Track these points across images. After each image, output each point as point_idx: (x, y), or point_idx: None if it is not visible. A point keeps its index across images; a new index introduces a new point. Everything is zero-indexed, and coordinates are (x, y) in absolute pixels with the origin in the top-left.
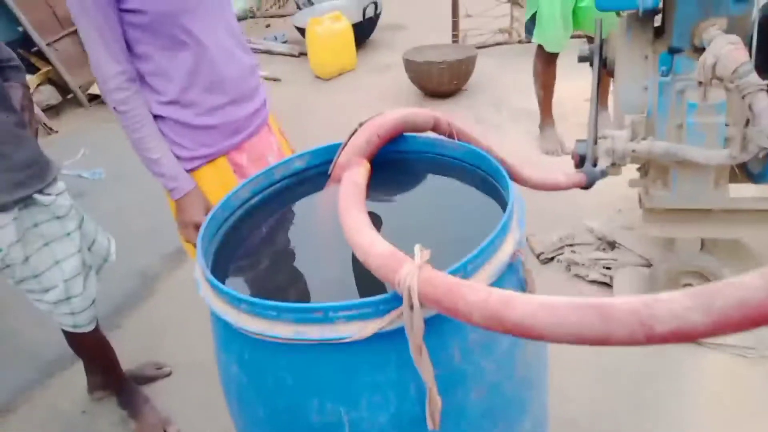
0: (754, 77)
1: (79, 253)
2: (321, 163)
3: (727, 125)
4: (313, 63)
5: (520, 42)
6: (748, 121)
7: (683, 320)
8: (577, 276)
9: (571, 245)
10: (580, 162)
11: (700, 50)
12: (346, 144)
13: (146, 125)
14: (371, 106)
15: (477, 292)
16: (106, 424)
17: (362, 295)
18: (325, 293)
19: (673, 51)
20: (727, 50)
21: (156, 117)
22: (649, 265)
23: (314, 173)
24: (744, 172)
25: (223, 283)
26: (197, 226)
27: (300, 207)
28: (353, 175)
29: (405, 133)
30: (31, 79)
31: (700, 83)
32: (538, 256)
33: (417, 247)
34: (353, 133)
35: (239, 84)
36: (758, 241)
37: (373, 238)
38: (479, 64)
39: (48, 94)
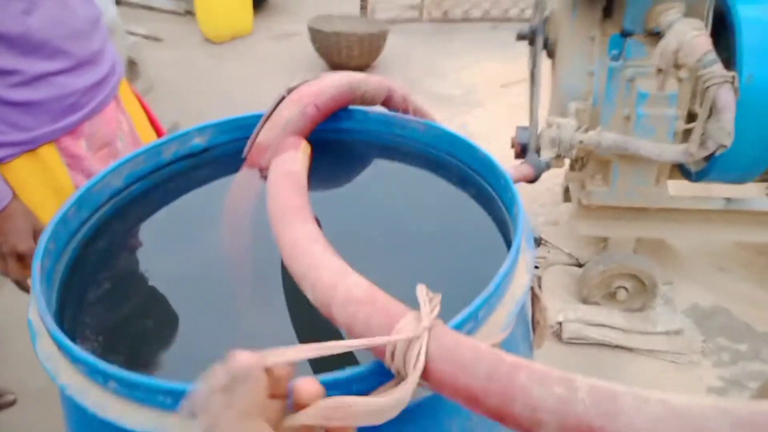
0: (720, 68)
1: None
2: (230, 140)
3: (676, 118)
4: (203, 23)
5: (431, 21)
6: (709, 115)
7: None
8: None
9: None
10: (521, 151)
11: (653, 35)
12: (269, 115)
13: None
14: (272, 77)
15: (548, 384)
16: None
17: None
18: None
19: (624, 34)
20: (691, 36)
21: None
22: (578, 265)
23: (220, 154)
24: (679, 169)
25: (75, 335)
26: (21, 257)
27: (201, 204)
28: (288, 161)
29: (350, 107)
30: None
31: (660, 70)
32: None
33: (422, 290)
34: (279, 102)
35: (75, 44)
36: (681, 241)
37: (337, 268)
38: (389, 42)
39: None
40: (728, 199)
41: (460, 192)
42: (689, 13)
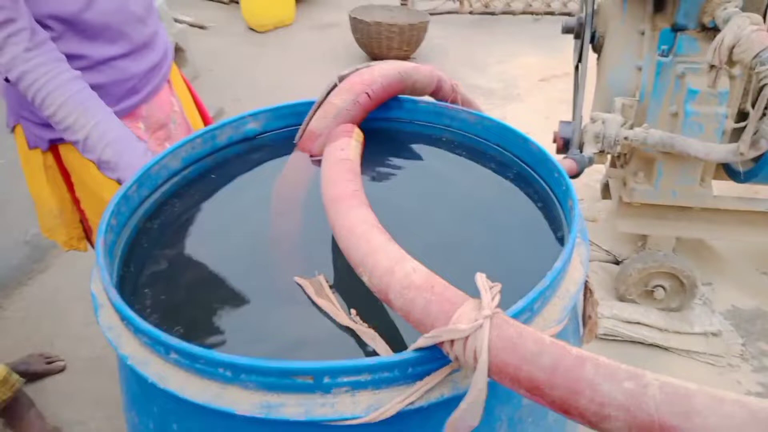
0: None
1: None
2: (283, 126)
3: (726, 117)
4: (246, 12)
5: (471, 13)
6: (763, 114)
7: None
8: None
9: None
10: (564, 146)
11: (707, 30)
12: (321, 103)
13: (54, 90)
14: (313, 66)
15: (617, 378)
16: None
17: (367, 344)
18: (307, 339)
19: (676, 28)
20: (750, 31)
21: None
22: (616, 262)
23: (272, 139)
24: (725, 169)
25: (135, 307)
26: None
27: (254, 186)
28: (342, 147)
29: (400, 96)
30: None
31: (712, 67)
32: None
33: (481, 278)
34: (331, 90)
35: (133, 29)
36: (722, 242)
37: (395, 254)
38: (428, 33)
39: None
40: None
41: (510, 184)
42: (747, 7)
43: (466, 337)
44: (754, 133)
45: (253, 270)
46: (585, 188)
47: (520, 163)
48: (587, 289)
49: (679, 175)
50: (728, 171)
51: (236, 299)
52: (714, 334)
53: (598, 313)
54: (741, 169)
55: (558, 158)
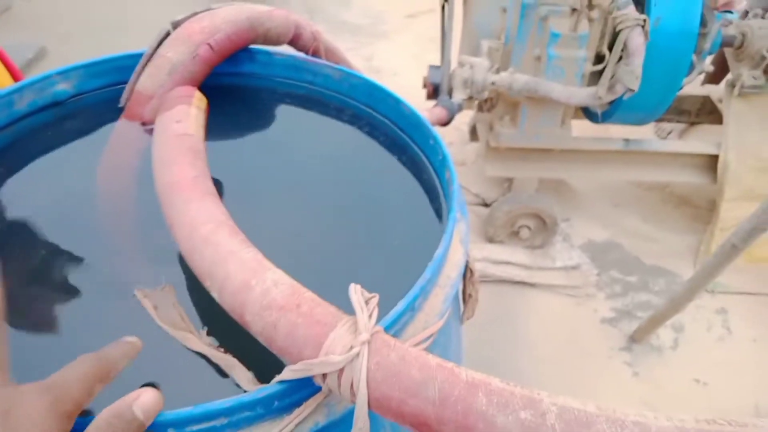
0: (633, 10)
1: None
2: (103, 86)
3: (585, 60)
4: None
5: None
6: (620, 58)
7: None
8: None
9: None
10: (434, 92)
11: None
12: (151, 56)
13: None
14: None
15: (512, 407)
16: None
17: (227, 374)
18: (150, 377)
19: None
20: None
21: None
22: (485, 205)
23: (91, 103)
24: (583, 111)
25: None
26: None
27: (68, 168)
28: (178, 119)
29: (251, 47)
30: None
31: (574, 10)
32: None
33: (356, 291)
34: (163, 39)
35: None
36: (581, 180)
37: (251, 262)
38: None
39: None
40: (627, 140)
41: (382, 151)
42: None
43: (341, 369)
44: (611, 77)
45: (72, 286)
46: (454, 131)
47: (392, 126)
48: (468, 269)
49: (542, 118)
50: (586, 113)
51: (54, 332)
52: (573, 268)
53: (479, 291)
54: (598, 111)
55: (429, 107)
